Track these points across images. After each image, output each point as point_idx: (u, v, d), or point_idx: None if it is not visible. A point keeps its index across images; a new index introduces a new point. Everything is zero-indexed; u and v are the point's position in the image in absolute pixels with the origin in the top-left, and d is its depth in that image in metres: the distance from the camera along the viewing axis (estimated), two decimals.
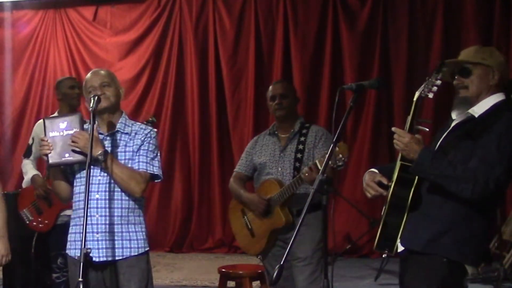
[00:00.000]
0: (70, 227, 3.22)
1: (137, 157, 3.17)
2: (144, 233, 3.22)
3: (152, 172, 3.18)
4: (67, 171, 3.22)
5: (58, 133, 3.07)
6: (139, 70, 8.03)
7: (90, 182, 3.09)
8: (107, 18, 8.22)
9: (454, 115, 2.81)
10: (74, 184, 3.19)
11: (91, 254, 3.04)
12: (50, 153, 3.05)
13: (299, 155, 3.88)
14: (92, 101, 3.05)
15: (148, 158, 3.17)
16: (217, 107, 7.84)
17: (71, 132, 3.06)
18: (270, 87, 4.07)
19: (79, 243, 3.05)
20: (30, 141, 4.73)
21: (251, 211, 4.01)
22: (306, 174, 3.58)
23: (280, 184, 3.84)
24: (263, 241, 3.94)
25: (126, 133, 3.20)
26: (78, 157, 3.05)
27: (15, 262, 5.63)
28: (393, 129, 2.69)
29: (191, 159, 7.92)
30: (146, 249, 3.22)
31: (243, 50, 7.75)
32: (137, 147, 3.17)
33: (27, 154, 4.75)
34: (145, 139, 3.19)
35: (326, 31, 7.46)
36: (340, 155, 3.30)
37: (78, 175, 3.18)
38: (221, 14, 7.81)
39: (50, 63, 8.30)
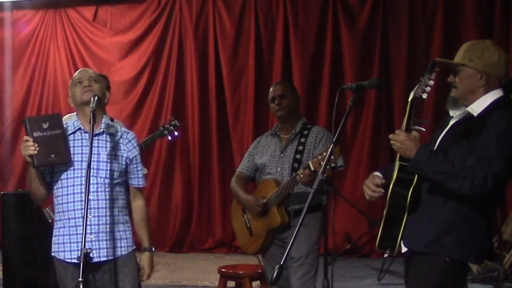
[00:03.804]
0: (56, 230, 3.17)
1: (135, 171, 3.27)
2: (131, 231, 3.26)
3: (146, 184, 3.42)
4: (45, 172, 3.15)
5: (42, 133, 3.02)
6: (139, 70, 8.02)
7: (80, 183, 3.07)
8: (107, 18, 8.22)
9: (451, 112, 2.81)
10: (56, 186, 3.14)
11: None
12: (36, 153, 2.99)
13: (298, 156, 3.88)
14: (92, 100, 3.04)
15: (141, 172, 3.33)
16: (217, 107, 7.83)
17: (54, 132, 3.03)
18: (270, 89, 4.07)
19: (69, 245, 3.09)
20: None
21: (249, 211, 4.03)
22: (302, 176, 3.58)
23: (278, 184, 3.84)
24: (260, 240, 3.95)
25: (111, 134, 3.21)
26: (64, 158, 3.04)
27: (15, 262, 5.67)
28: (395, 131, 2.69)
29: (191, 159, 7.92)
30: (134, 247, 3.25)
31: (243, 50, 7.75)
32: (127, 154, 3.22)
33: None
34: (135, 149, 3.26)
35: (326, 31, 7.46)
36: (332, 157, 3.30)
37: (60, 177, 3.13)
38: (221, 14, 7.81)
39: (50, 63, 8.29)
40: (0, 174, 8.29)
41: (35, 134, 3.01)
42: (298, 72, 7.51)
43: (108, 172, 3.14)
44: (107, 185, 3.13)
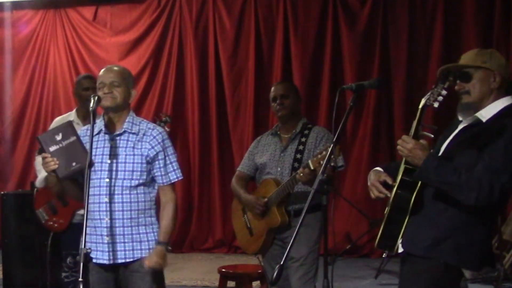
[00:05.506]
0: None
1: (160, 168, 3.17)
2: (156, 233, 3.21)
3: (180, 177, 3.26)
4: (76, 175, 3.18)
5: (58, 146, 3.04)
6: (139, 70, 8.02)
7: (99, 185, 3.10)
8: (107, 18, 8.22)
9: (461, 117, 2.79)
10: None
11: (101, 257, 3.10)
12: (57, 167, 3.02)
13: (298, 156, 3.88)
14: (92, 101, 3.04)
15: (175, 165, 3.23)
16: (217, 107, 7.84)
17: (69, 141, 3.05)
18: (272, 88, 4.07)
19: (90, 245, 3.07)
20: None
21: (250, 210, 4.02)
22: (301, 175, 3.58)
23: (278, 183, 3.85)
24: (260, 240, 3.95)
25: (134, 133, 3.19)
26: (85, 163, 3.03)
27: (15, 262, 5.67)
28: (402, 137, 2.67)
29: (191, 159, 7.92)
30: None
31: (243, 50, 7.76)
32: (147, 152, 3.15)
33: (41, 150, 4.73)
34: (159, 145, 3.18)
35: (326, 31, 7.47)
36: (332, 156, 3.30)
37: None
38: (221, 14, 7.82)
39: (50, 63, 8.30)
40: (0, 174, 8.29)
41: (51, 149, 3.04)
42: (298, 72, 7.51)
43: (125, 173, 3.12)
44: (124, 187, 3.12)
